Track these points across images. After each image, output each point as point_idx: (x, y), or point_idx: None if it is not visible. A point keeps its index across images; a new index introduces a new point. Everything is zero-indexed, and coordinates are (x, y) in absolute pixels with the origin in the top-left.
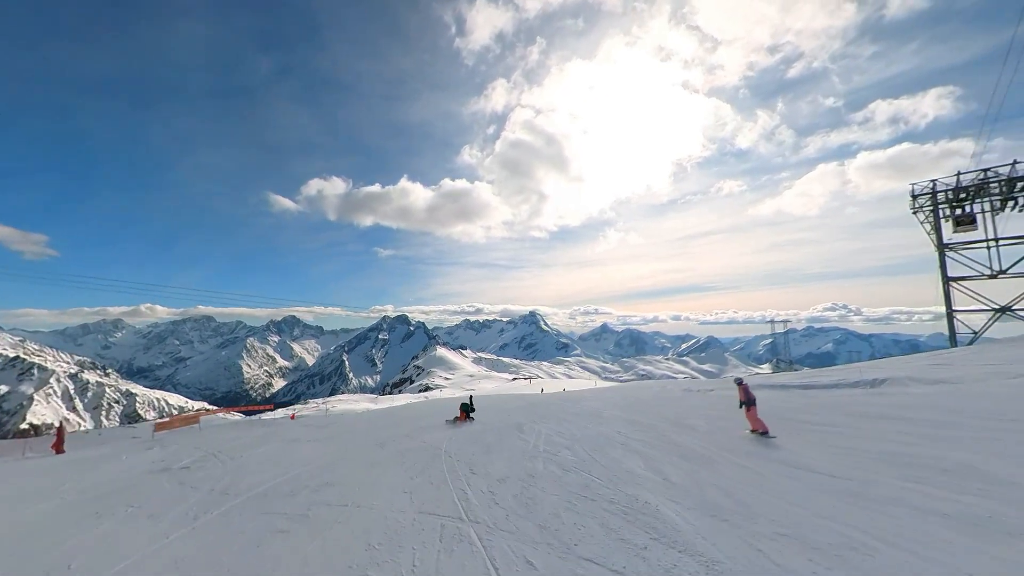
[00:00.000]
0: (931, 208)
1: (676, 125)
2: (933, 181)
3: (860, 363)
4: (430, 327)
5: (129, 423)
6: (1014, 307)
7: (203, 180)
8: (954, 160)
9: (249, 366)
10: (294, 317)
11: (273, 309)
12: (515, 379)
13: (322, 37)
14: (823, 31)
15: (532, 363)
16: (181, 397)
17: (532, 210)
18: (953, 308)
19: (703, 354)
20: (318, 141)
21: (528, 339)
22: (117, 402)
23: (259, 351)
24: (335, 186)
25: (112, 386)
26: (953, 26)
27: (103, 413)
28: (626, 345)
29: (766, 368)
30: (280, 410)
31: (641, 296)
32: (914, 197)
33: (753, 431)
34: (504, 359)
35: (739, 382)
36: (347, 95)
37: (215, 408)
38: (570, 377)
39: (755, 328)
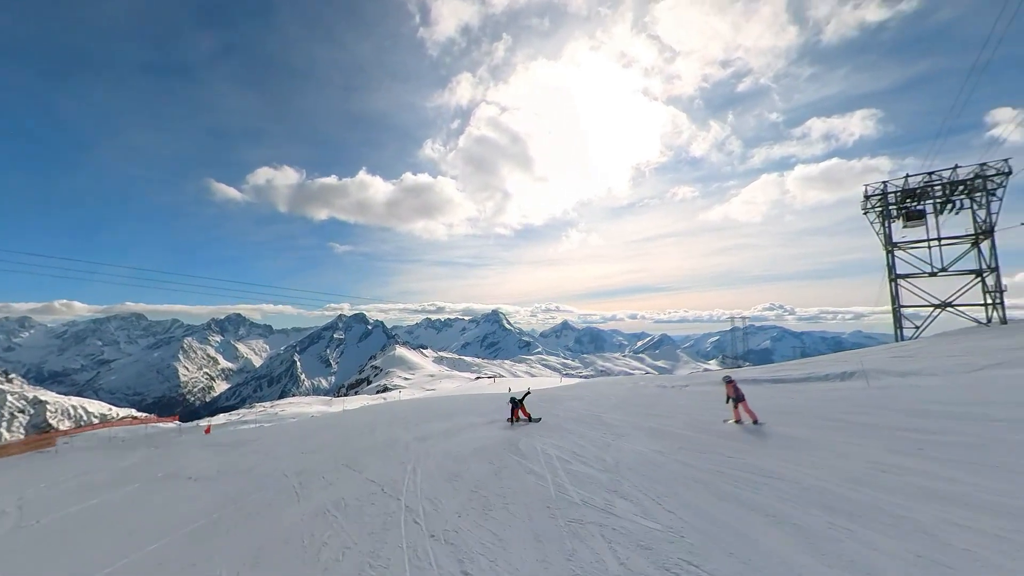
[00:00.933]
0: (881, 208)
1: (636, 131)
2: (884, 183)
3: (820, 356)
4: (389, 326)
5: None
6: (954, 303)
7: (133, 164)
8: (873, 176)
9: (187, 368)
10: (239, 315)
11: (215, 307)
12: (478, 378)
13: (272, 16)
14: (769, 50)
15: (494, 362)
16: (104, 404)
17: (497, 207)
18: (901, 304)
19: (657, 351)
20: (267, 128)
21: (491, 338)
22: (22, 411)
23: (198, 352)
24: (286, 176)
25: (16, 393)
26: (873, 57)
27: (4, 424)
28: (586, 342)
29: (713, 364)
30: (221, 417)
31: (601, 295)
32: (867, 198)
33: (737, 421)
34: (466, 358)
35: (728, 380)
36: (300, 81)
37: (143, 417)
38: (532, 375)
39: (703, 327)
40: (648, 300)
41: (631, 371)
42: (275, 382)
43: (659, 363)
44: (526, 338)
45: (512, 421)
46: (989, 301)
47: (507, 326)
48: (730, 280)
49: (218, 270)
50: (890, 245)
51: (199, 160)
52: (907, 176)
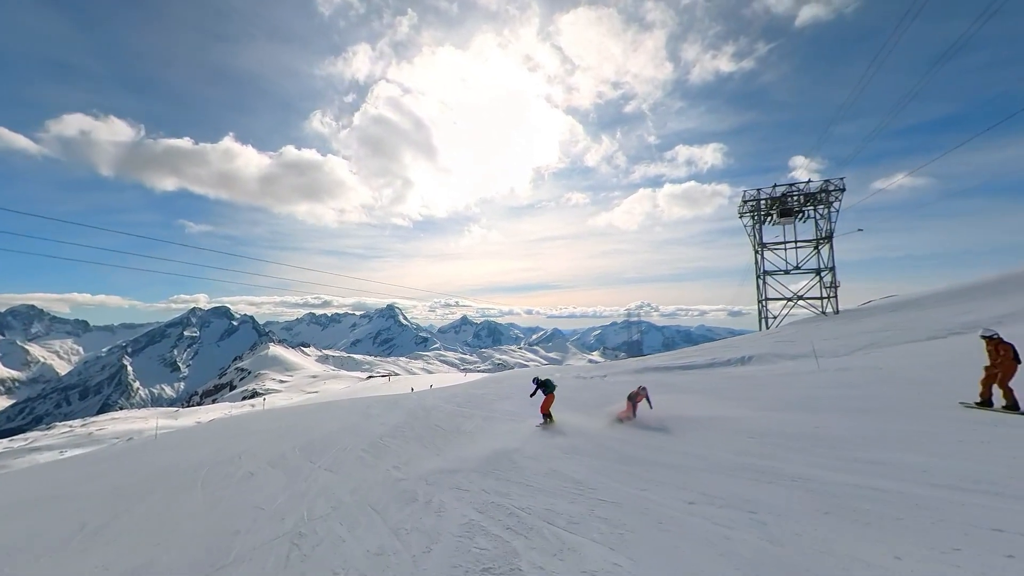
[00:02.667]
0: (754, 213)
1: (538, 135)
2: (758, 190)
3: (705, 344)
4: (262, 321)
5: None
6: (805, 296)
7: None
8: (717, 199)
9: None
10: (33, 307)
11: None
12: (370, 377)
13: None
14: (651, 80)
15: (389, 359)
16: None
17: (396, 195)
18: (767, 297)
19: (550, 344)
20: (83, 64)
21: (385, 334)
22: None
23: None
24: (114, 129)
25: None
26: (721, 102)
27: None
28: (484, 336)
29: (596, 355)
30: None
31: (499, 291)
32: (745, 202)
33: (620, 420)
34: (356, 356)
35: (644, 390)
36: (140, 12)
37: None
38: (429, 372)
39: (588, 321)
40: (542, 296)
41: (526, 363)
42: (92, 393)
43: (551, 355)
44: (424, 334)
45: (548, 419)
46: (826, 295)
47: (403, 321)
48: (610, 281)
49: None
50: (760, 246)
51: None
52: (775, 185)
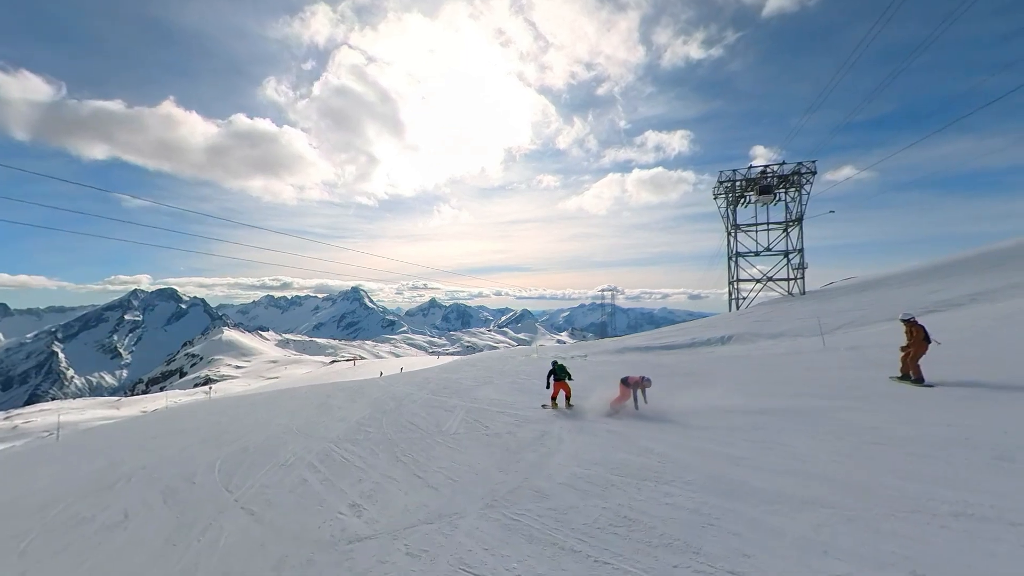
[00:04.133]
0: (729, 193)
1: (510, 114)
2: (734, 170)
3: (692, 321)
4: (214, 304)
5: None
6: (774, 277)
7: None
8: (682, 186)
9: None
10: None
11: None
12: (334, 362)
13: None
14: (623, 63)
15: (354, 343)
16: None
17: (360, 172)
18: (739, 278)
19: (519, 324)
20: None
21: (350, 317)
22: None
23: None
24: (27, 85)
25: None
26: (686, 90)
27: None
28: (453, 319)
29: (565, 336)
30: None
31: (469, 272)
32: (720, 183)
33: (616, 408)
34: (319, 340)
35: (647, 380)
36: None
37: None
38: (397, 355)
39: (557, 303)
40: (512, 278)
41: (496, 345)
42: (17, 383)
43: (520, 335)
44: (391, 317)
45: (554, 403)
46: (793, 277)
47: (369, 304)
48: (578, 264)
49: None
50: (733, 227)
51: None
52: (750, 167)
